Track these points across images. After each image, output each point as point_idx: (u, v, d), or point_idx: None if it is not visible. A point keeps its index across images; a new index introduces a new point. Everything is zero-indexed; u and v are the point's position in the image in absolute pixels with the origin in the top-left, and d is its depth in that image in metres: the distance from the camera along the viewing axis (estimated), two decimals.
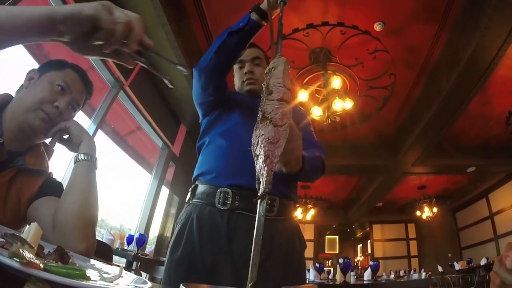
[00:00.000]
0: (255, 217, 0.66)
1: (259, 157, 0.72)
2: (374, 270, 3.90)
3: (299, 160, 1.18)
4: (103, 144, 4.60)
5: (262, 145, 0.72)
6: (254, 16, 1.33)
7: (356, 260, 15.81)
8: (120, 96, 4.16)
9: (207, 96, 1.51)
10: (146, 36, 0.75)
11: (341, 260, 3.42)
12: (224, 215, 1.30)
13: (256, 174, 0.72)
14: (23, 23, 0.65)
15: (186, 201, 1.48)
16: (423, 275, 4.16)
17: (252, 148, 0.76)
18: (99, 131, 3.91)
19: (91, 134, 3.40)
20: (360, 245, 15.68)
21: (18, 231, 1.09)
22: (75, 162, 1.13)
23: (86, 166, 1.13)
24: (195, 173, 1.49)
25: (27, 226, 1.10)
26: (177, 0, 3.78)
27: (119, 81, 3.99)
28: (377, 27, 4.07)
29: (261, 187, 0.70)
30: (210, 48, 1.43)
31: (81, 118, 3.84)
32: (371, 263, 3.92)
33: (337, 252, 15.28)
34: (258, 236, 0.64)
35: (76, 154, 1.15)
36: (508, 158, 7.06)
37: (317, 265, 4.61)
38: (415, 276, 4.38)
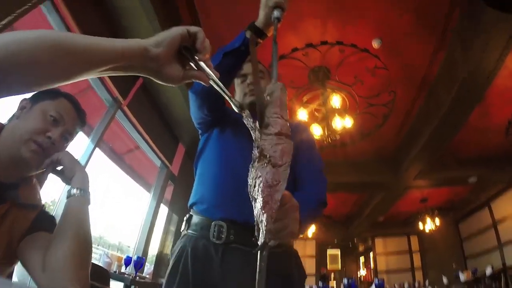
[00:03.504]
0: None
1: (257, 201, 0.67)
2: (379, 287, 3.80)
3: (295, 234, 1.02)
4: (101, 163, 4.59)
5: (260, 189, 0.67)
6: (249, 34, 1.28)
7: (359, 274, 15.59)
8: (118, 116, 4.12)
9: (203, 116, 1.48)
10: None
11: (345, 281, 3.32)
12: (219, 249, 1.24)
13: (255, 218, 0.68)
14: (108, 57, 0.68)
15: (182, 230, 1.42)
16: None
17: (249, 190, 0.71)
18: (97, 149, 3.82)
19: (88, 153, 3.35)
20: (363, 259, 15.46)
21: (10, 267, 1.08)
22: (67, 197, 1.09)
23: (79, 202, 1.09)
24: (190, 200, 1.44)
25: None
26: (173, 15, 3.73)
27: (117, 101, 3.93)
28: (375, 44, 4.07)
29: (260, 235, 0.65)
30: None
31: (79, 137, 3.89)
32: (376, 281, 3.84)
33: (339, 267, 15.09)
34: None
35: (68, 188, 1.11)
36: (509, 166, 7.01)
37: (320, 284, 4.49)
38: None
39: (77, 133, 1.29)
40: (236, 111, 0.79)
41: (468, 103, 4.72)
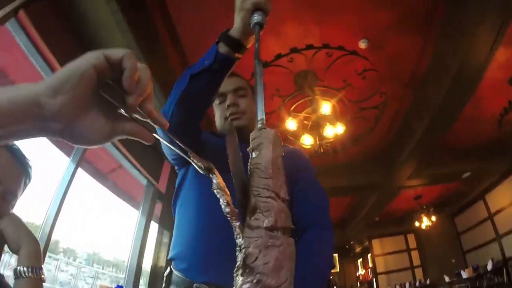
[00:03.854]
0: None
1: None
2: None
3: None
4: (86, 182, 4.57)
5: None
6: (223, 48, 0.98)
7: (357, 274, 15.53)
8: None
9: (175, 153, 1.20)
10: (158, 111, 0.50)
11: None
12: None
13: None
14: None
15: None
16: None
17: None
18: (80, 170, 3.77)
19: (70, 173, 3.17)
20: (360, 259, 15.39)
21: None
22: (15, 278, 0.87)
23: (29, 284, 0.86)
24: (170, 252, 1.22)
25: None
26: (149, 31, 3.48)
27: None
28: (362, 44, 3.88)
29: None
30: (170, 97, 1.09)
31: (59, 157, 3.80)
32: None
33: (338, 269, 14.99)
34: None
35: (15, 266, 0.88)
36: (502, 158, 7.01)
37: None
38: None
39: (24, 189, 1.03)
40: (202, 173, 0.53)
41: (459, 97, 4.59)
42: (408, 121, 5.50)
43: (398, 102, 5.16)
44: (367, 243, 12.61)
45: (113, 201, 5.46)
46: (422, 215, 9.38)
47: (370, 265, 12.73)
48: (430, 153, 6.10)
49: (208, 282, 1.04)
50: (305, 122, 4.25)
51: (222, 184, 0.49)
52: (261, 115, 0.59)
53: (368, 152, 6.54)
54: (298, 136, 4.18)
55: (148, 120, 0.48)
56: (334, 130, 3.99)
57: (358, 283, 14.84)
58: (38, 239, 2.80)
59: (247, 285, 0.42)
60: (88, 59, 0.44)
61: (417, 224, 9.67)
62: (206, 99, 1.09)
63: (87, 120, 0.46)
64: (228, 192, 0.49)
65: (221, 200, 0.48)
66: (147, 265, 5.13)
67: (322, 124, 4.00)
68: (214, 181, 0.50)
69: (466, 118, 5.38)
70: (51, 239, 3.15)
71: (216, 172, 0.50)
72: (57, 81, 0.42)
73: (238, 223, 0.46)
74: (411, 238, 11.68)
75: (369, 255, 12.80)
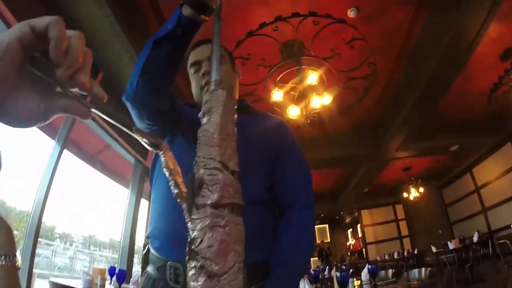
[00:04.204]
0: None
1: None
2: (372, 274, 3.63)
3: None
4: (73, 164, 4.61)
5: None
6: (186, 10, 0.89)
7: (348, 244, 15.88)
8: None
9: (147, 126, 1.12)
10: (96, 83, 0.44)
11: (338, 274, 3.13)
12: None
13: None
14: None
15: (142, 266, 1.18)
16: (423, 271, 3.93)
17: None
18: (67, 152, 3.77)
19: (55, 158, 3.16)
20: (350, 229, 15.70)
21: None
22: None
23: (2, 273, 0.81)
24: (148, 229, 1.18)
25: None
26: (132, 6, 3.40)
27: None
28: (351, 13, 3.77)
29: None
30: (135, 67, 1.02)
31: (44, 140, 3.79)
32: (369, 266, 3.65)
33: (329, 239, 15.30)
34: None
35: None
36: (490, 132, 7.07)
37: (312, 272, 4.33)
38: (415, 272, 4.14)
39: None
40: (149, 149, 0.47)
41: (450, 71, 4.53)
42: (398, 93, 5.44)
43: (388, 73, 5.10)
44: (356, 214, 12.81)
45: (103, 182, 5.47)
46: (411, 186, 9.51)
47: (360, 235, 12.98)
48: (419, 126, 6.10)
49: (179, 259, 1.02)
50: (291, 92, 4.17)
51: (172, 162, 0.45)
52: (215, 76, 0.55)
53: (357, 124, 6.52)
54: (285, 107, 4.13)
55: (86, 94, 0.43)
56: (321, 101, 3.93)
57: (349, 252, 15.19)
58: (29, 225, 2.78)
59: (192, 271, 0.39)
60: (12, 32, 0.39)
61: (405, 195, 9.82)
62: (171, 66, 1.01)
63: (19, 99, 0.41)
64: (180, 171, 0.46)
65: (169, 180, 0.44)
66: (140, 243, 5.16)
67: (308, 95, 3.93)
68: (162, 159, 0.46)
69: (456, 92, 5.35)
70: (41, 224, 3.12)
71: (165, 149, 0.46)
72: None
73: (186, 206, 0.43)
74: (399, 209, 11.87)
75: (358, 225, 13.02)
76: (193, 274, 0.39)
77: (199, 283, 0.38)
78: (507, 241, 5.90)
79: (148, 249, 1.16)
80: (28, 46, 0.39)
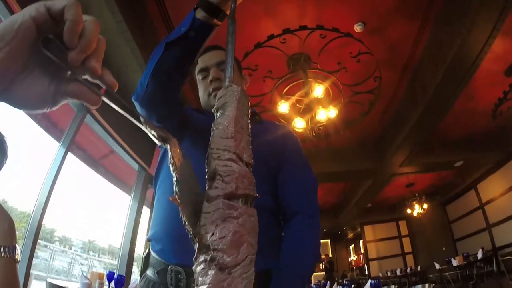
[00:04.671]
0: None
1: None
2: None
3: None
4: (77, 168, 4.40)
5: None
6: (200, 14, 0.92)
7: (349, 259, 15.72)
8: (88, 120, 3.88)
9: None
10: (107, 71, 0.44)
11: (371, 282, 3.09)
12: None
13: None
14: None
15: (140, 268, 1.18)
16: (427, 286, 3.89)
17: None
18: (72, 156, 3.79)
19: (58, 161, 3.16)
20: (352, 245, 15.55)
21: None
22: None
23: (1, 264, 0.81)
24: (149, 233, 1.18)
25: None
26: (140, 10, 3.46)
27: (85, 105, 3.66)
28: (358, 28, 3.82)
29: None
30: (147, 67, 1.04)
31: (49, 142, 3.80)
32: (371, 281, 3.62)
33: (330, 255, 15.14)
34: None
35: None
36: (494, 149, 7.03)
37: (313, 286, 4.28)
38: (419, 287, 4.11)
39: (0, 168, 0.99)
40: (158, 143, 0.46)
41: (454, 86, 4.54)
42: (402, 107, 5.46)
43: (393, 88, 5.12)
44: (359, 229, 12.71)
45: (105, 187, 5.46)
46: (414, 202, 9.44)
47: (362, 251, 12.85)
48: (423, 141, 6.08)
49: (183, 264, 1.01)
50: (297, 105, 4.20)
51: (178, 159, 0.44)
52: (229, 73, 0.56)
53: (361, 138, 6.52)
54: (290, 120, 4.14)
55: (98, 82, 0.43)
56: (327, 114, 3.95)
57: (350, 268, 15.02)
58: (28, 227, 2.77)
59: (201, 266, 0.37)
60: (27, 11, 0.38)
61: (409, 211, 9.74)
62: (182, 69, 1.03)
63: (29, 80, 0.41)
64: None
65: (173, 175, 0.42)
66: (140, 251, 5.11)
67: (314, 108, 3.95)
68: (169, 153, 0.44)
69: (460, 108, 5.37)
70: (41, 226, 3.09)
71: (172, 143, 0.44)
72: None
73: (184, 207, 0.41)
74: (402, 225, 11.77)
75: (361, 241, 12.90)
76: (202, 268, 0.37)
77: (209, 276, 0.37)
78: None
79: (149, 252, 1.15)
80: (42, 27, 0.39)
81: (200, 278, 0.37)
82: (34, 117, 3.53)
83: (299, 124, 4.09)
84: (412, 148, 6.18)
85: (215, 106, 0.51)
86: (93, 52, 0.41)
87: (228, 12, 0.94)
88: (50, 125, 3.85)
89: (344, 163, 6.89)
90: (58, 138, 3.64)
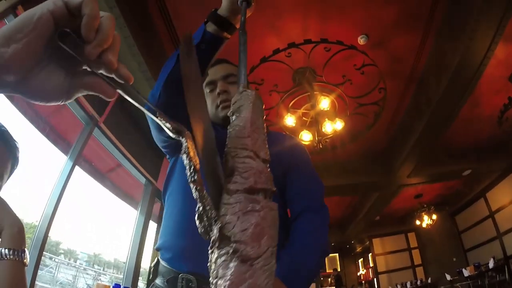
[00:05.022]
0: None
1: None
2: None
3: None
4: (84, 181, 4.51)
5: None
6: (211, 27, 0.96)
7: (358, 274, 15.51)
8: (96, 133, 3.91)
9: (166, 139, 1.17)
10: (123, 65, 0.45)
11: None
12: None
13: None
14: None
15: (149, 278, 1.16)
16: None
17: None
18: (79, 169, 3.74)
19: (67, 172, 3.15)
20: (361, 259, 15.36)
21: None
22: None
23: (10, 267, 0.83)
24: (158, 242, 1.19)
25: None
26: (147, 25, 3.53)
27: (93, 118, 3.73)
28: (361, 40, 3.87)
29: None
30: (158, 78, 1.07)
31: (56, 155, 3.82)
32: None
33: (338, 269, 14.96)
34: None
35: None
36: (502, 156, 6.99)
37: None
38: None
39: (12, 172, 1.00)
40: (172, 136, 0.47)
41: (459, 94, 4.56)
42: (407, 118, 5.47)
43: (398, 99, 5.14)
44: (367, 243, 12.58)
45: (112, 201, 5.42)
46: (423, 213, 9.35)
47: (371, 264, 12.70)
48: (430, 151, 6.07)
49: (194, 272, 1.01)
50: (303, 118, 4.23)
51: (193, 151, 0.44)
52: (242, 80, 0.58)
53: (368, 150, 6.51)
54: (297, 133, 4.16)
55: (113, 76, 0.44)
56: (333, 126, 3.97)
57: (359, 283, 14.81)
58: (34, 239, 2.75)
59: (223, 258, 0.37)
60: (45, 5, 0.40)
61: (417, 223, 9.64)
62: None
63: (44, 73, 0.42)
64: (198, 159, 0.44)
65: (187, 167, 0.42)
66: (146, 266, 5.08)
67: (320, 120, 3.98)
68: (184, 144, 0.44)
69: (465, 116, 5.38)
70: (47, 238, 3.09)
71: (187, 136, 0.45)
72: (10, 28, 0.38)
73: (203, 193, 0.40)
74: (411, 237, 11.64)
75: (369, 254, 12.77)
76: (223, 261, 0.37)
77: (231, 269, 0.36)
78: None
79: (158, 261, 1.15)
80: (59, 20, 0.40)
81: (220, 271, 0.37)
82: (42, 130, 3.56)
83: (305, 137, 4.12)
84: (419, 158, 6.16)
85: (231, 110, 0.52)
86: (109, 46, 0.42)
87: (237, 26, 0.98)
88: (58, 138, 3.87)
89: (352, 176, 6.88)
90: (65, 151, 3.66)
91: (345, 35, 3.77)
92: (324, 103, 3.90)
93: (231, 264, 0.36)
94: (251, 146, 0.45)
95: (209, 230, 0.40)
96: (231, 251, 0.37)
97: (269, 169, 0.46)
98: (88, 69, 0.43)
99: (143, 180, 5.22)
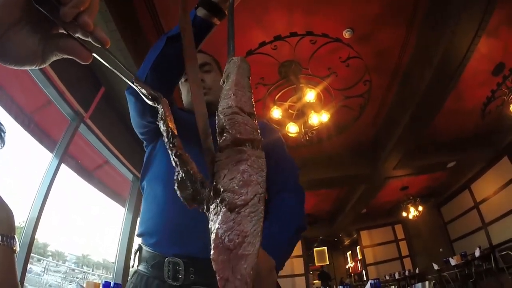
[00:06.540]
0: None
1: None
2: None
3: None
4: (70, 179, 4.42)
5: (214, 255, 0.35)
6: (201, 12, 0.97)
7: (347, 266, 15.66)
8: (82, 130, 3.85)
9: (146, 123, 1.16)
10: (99, 28, 0.44)
11: (371, 282, 3.09)
12: None
13: None
14: None
15: (132, 266, 1.14)
16: (427, 284, 3.91)
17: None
18: (65, 166, 3.67)
19: (53, 170, 3.07)
20: (350, 252, 15.51)
21: None
22: None
23: (1, 252, 0.82)
24: (138, 229, 1.16)
25: None
26: (133, 19, 3.51)
27: (79, 114, 3.67)
28: (346, 34, 3.90)
29: None
30: (145, 61, 1.06)
31: (42, 153, 3.73)
32: (371, 281, 3.63)
33: (327, 262, 15.09)
34: None
35: None
36: (486, 148, 7.13)
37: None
38: (419, 285, 4.12)
39: None
40: (149, 103, 0.47)
41: (442, 88, 4.62)
42: (393, 111, 5.52)
43: (383, 92, 5.19)
44: (355, 235, 12.69)
45: (99, 199, 5.32)
46: (409, 205, 9.47)
47: (359, 257, 12.82)
48: (415, 144, 6.15)
49: (180, 254, 1.00)
50: (290, 111, 4.26)
51: (168, 114, 0.45)
52: (231, 52, 0.60)
53: (354, 143, 6.56)
54: (283, 125, 4.19)
55: (89, 39, 0.42)
56: (319, 118, 4.00)
57: (348, 275, 14.97)
58: (21, 241, 2.68)
59: (214, 210, 0.38)
60: None
61: (404, 214, 9.77)
62: (180, 64, 1.01)
63: (19, 35, 0.40)
64: (174, 125, 0.46)
65: (164, 133, 0.44)
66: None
67: (307, 112, 4.01)
68: (160, 111, 0.45)
69: (450, 109, 5.45)
70: (34, 239, 3.01)
71: (164, 103, 0.46)
72: None
73: (185, 157, 0.42)
74: (398, 228, 11.77)
75: (358, 247, 12.88)
76: (215, 212, 0.38)
77: (219, 218, 0.37)
78: (510, 252, 5.87)
79: (140, 247, 1.13)
80: None
81: (211, 224, 0.38)
82: (26, 127, 3.50)
83: (292, 129, 4.14)
84: (405, 150, 6.24)
85: (222, 79, 0.55)
86: (85, 9, 0.41)
87: (227, 12, 0.98)
88: (43, 135, 3.78)
89: (338, 168, 6.92)
90: (51, 149, 3.58)
91: (331, 28, 3.80)
92: (310, 95, 3.93)
93: (220, 213, 0.37)
94: (235, 103, 0.48)
95: (195, 195, 0.41)
96: (219, 200, 0.38)
97: (255, 122, 0.48)
98: (64, 32, 0.42)
99: (130, 176, 5.20)
